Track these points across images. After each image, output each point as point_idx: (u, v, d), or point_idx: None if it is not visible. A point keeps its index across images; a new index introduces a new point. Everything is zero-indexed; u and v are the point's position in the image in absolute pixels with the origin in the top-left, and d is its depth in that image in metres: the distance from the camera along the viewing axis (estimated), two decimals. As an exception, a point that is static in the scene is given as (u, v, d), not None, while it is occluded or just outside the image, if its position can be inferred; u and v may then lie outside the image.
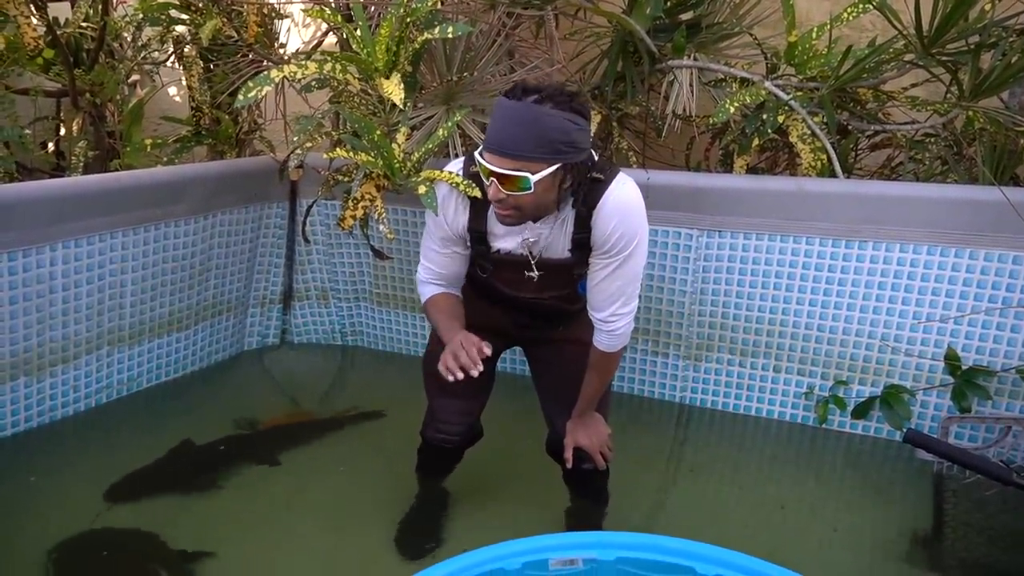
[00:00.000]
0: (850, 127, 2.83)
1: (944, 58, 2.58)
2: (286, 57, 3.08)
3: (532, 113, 1.61)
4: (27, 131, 3.13)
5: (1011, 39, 2.52)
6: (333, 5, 2.98)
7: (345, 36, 2.60)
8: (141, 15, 3.02)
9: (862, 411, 2.67)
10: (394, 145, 2.36)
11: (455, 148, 2.64)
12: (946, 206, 2.47)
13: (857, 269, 2.60)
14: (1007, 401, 2.52)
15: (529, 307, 2.00)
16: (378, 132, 2.34)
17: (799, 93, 2.70)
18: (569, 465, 2.02)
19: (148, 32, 3.36)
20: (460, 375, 1.72)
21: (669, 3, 2.84)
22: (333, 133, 2.93)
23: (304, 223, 3.18)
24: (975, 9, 2.48)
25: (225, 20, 2.87)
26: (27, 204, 2.39)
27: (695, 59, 2.86)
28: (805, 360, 2.74)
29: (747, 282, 2.74)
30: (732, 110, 2.67)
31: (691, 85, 2.84)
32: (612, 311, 1.85)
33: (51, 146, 3.55)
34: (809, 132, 2.68)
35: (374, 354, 3.38)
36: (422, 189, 2.07)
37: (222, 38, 3.00)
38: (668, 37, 2.82)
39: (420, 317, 3.20)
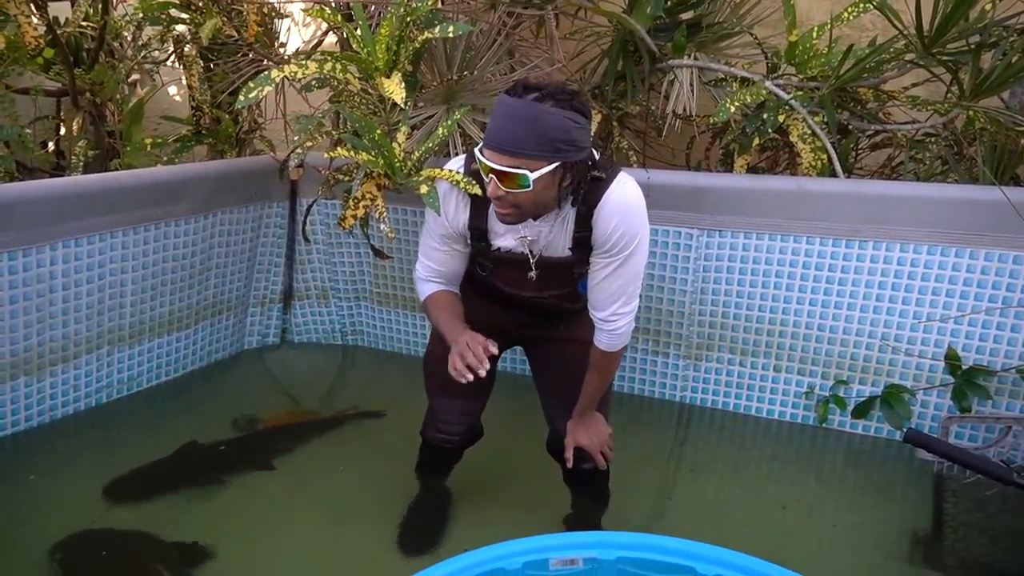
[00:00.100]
0: (850, 127, 2.83)
1: (945, 58, 2.58)
2: (286, 56, 3.08)
3: (532, 111, 1.61)
4: (27, 130, 3.13)
5: (1012, 39, 2.52)
6: (333, 4, 2.98)
7: (345, 35, 2.60)
8: (141, 14, 3.02)
9: (862, 411, 2.67)
10: (395, 144, 2.36)
11: (455, 147, 2.64)
12: (946, 206, 2.47)
13: (857, 269, 2.60)
14: (1007, 401, 2.52)
15: (529, 306, 2.00)
16: (378, 131, 2.34)
17: (799, 93, 2.70)
18: (570, 465, 2.02)
19: (148, 31, 3.36)
20: (470, 376, 1.72)
21: (669, 2, 2.84)
22: (333, 132, 2.93)
23: (304, 222, 3.18)
24: (976, 9, 2.47)
25: (225, 19, 2.87)
26: (27, 203, 2.39)
27: (695, 58, 2.86)
28: (805, 360, 2.74)
29: (747, 281, 2.73)
30: (732, 109, 2.67)
31: (691, 84, 2.84)
32: (613, 310, 1.85)
33: (51, 145, 3.55)
34: (809, 131, 2.68)
35: (374, 353, 3.38)
36: (423, 188, 2.07)
37: (222, 37, 3.00)
38: (668, 36, 2.82)
39: (420, 317, 3.20)
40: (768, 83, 2.71)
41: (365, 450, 2.61)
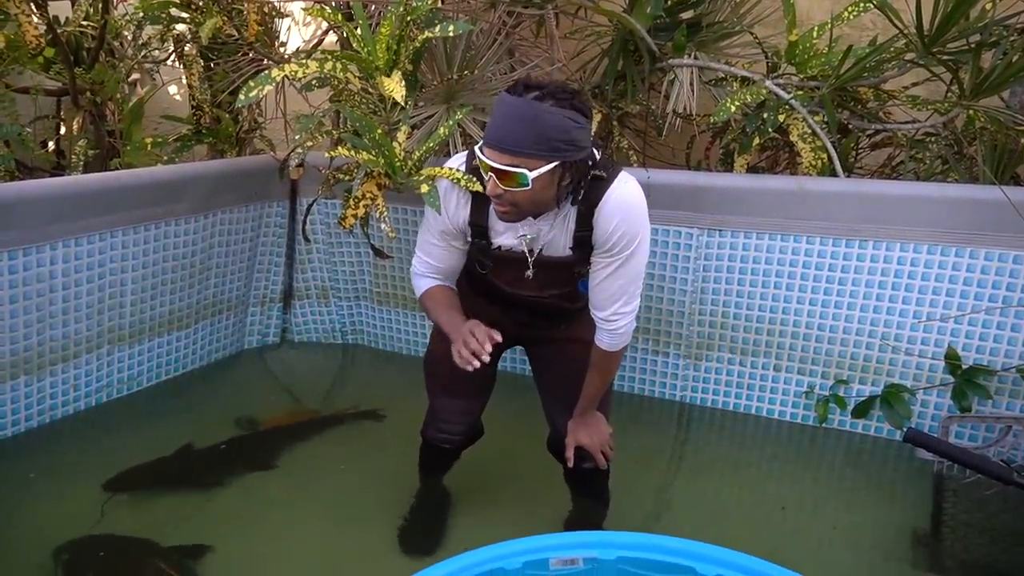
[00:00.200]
0: (851, 126, 2.83)
1: (945, 57, 2.58)
2: (286, 56, 3.08)
3: (532, 110, 1.61)
4: (27, 129, 3.12)
5: (1012, 38, 2.52)
6: (333, 4, 2.98)
7: (345, 35, 2.59)
8: (141, 14, 3.01)
9: (862, 410, 2.67)
10: (395, 144, 2.36)
11: (455, 147, 2.64)
12: (947, 205, 2.47)
13: (857, 268, 2.60)
14: (1007, 400, 2.52)
15: (529, 305, 2.00)
16: (379, 131, 2.34)
17: (800, 92, 2.70)
18: (570, 464, 2.02)
19: (148, 31, 3.36)
20: (476, 364, 1.72)
21: (670, 2, 2.84)
22: (334, 132, 2.92)
23: (304, 222, 3.18)
24: (976, 8, 2.47)
25: (225, 19, 2.86)
26: (27, 203, 2.39)
27: (696, 58, 2.86)
28: (805, 359, 2.74)
29: (747, 281, 2.73)
30: (733, 109, 2.67)
31: (692, 84, 2.84)
32: (614, 310, 1.85)
33: (51, 145, 3.55)
34: (810, 131, 2.68)
35: (374, 353, 3.38)
36: (424, 188, 2.07)
37: (222, 37, 3.00)
38: (669, 36, 2.82)
39: (421, 316, 3.20)
40: (768, 82, 2.71)
41: (365, 450, 2.61)
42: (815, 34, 2.81)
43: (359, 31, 2.39)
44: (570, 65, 3.03)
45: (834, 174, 2.66)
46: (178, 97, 4.08)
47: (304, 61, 2.38)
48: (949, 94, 2.77)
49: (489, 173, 1.67)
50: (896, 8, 2.55)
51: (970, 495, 2.37)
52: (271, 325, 3.37)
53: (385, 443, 2.62)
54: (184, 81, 3.44)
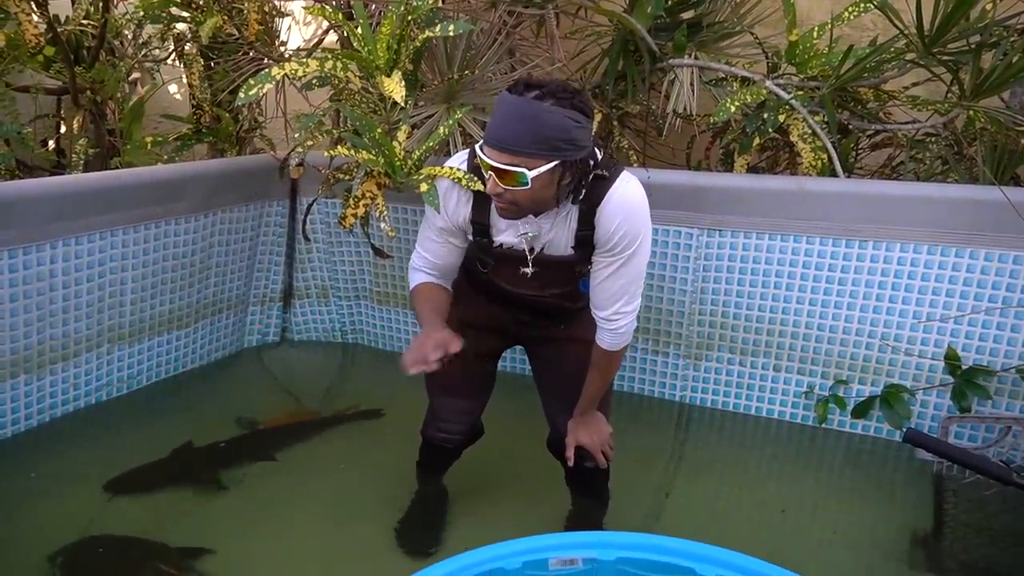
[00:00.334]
0: (851, 126, 2.83)
1: (945, 57, 2.58)
2: (287, 55, 3.08)
3: (532, 109, 1.61)
4: (27, 128, 3.12)
5: (1012, 39, 2.52)
6: (334, 3, 2.98)
7: (346, 34, 2.59)
8: (142, 13, 3.01)
9: (862, 411, 2.67)
10: (395, 143, 2.36)
11: (455, 146, 2.64)
12: (947, 206, 2.47)
13: (857, 268, 2.60)
14: (1007, 401, 2.52)
15: (530, 305, 2.00)
16: (379, 130, 2.34)
17: (800, 92, 2.70)
18: (571, 464, 2.02)
19: (149, 30, 3.36)
20: (412, 371, 1.72)
21: (670, 2, 2.84)
22: (334, 131, 2.93)
23: (304, 221, 3.18)
24: (976, 9, 2.47)
25: (226, 18, 2.86)
26: (27, 202, 2.39)
27: (696, 58, 2.86)
28: (805, 359, 2.74)
29: (747, 281, 2.73)
30: (733, 109, 2.67)
31: (692, 84, 2.83)
32: (615, 309, 1.85)
33: (51, 144, 3.55)
34: (810, 131, 2.68)
35: (374, 352, 3.38)
36: (424, 187, 2.08)
37: (223, 36, 3.00)
38: (669, 36, 2.82)
39: (420, 315, 3.20)
40: (768, 83, 2.71)
41: (365, 449, 2.61)
42: (815, 34, 2.80)
43: (359, 30, 2.39)
44: (570, 65, 3.03)
45: (834, 174, 2.66)
46: (178, 96, 4.07)
47: (304, 60, 2.38)
48: (949, 94, 2.77)
49: (489, 172, 1.67)
50: (896, 8, 2.55)
51: (970, 495, 2.37)
52: (271, 324, 3.37)
53: (385, 442, 2.62)
54: (184, 80, 3.44)
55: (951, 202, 2.47)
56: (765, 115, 2.71)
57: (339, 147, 2.37)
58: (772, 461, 2.66)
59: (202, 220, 2.91)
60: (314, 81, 2.61)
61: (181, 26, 3.15)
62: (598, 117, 2.86)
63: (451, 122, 2.42)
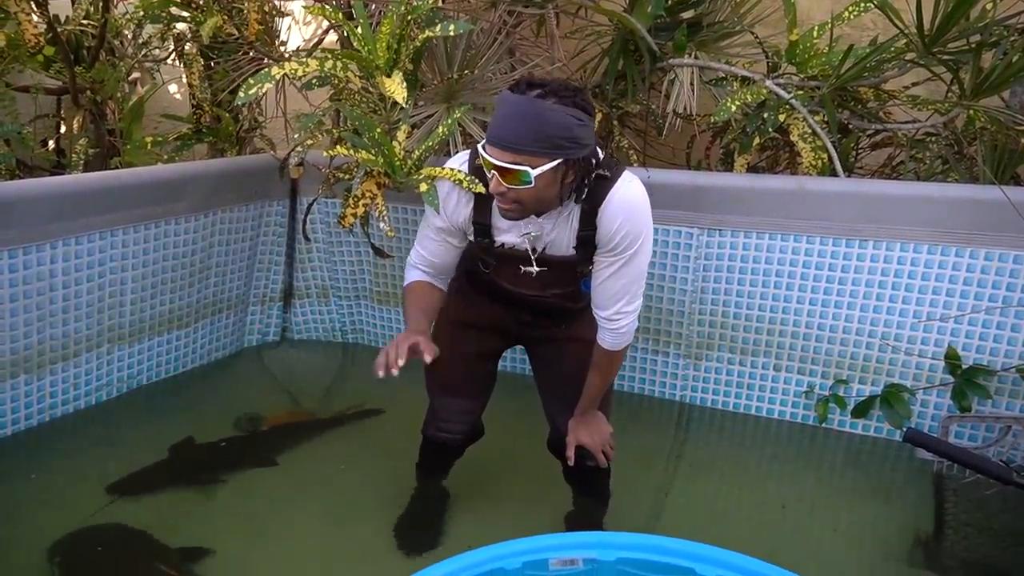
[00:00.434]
0: (851, 126, 2.83)
1: (945, 57, 2.58)
2: (287, 55, 3.08)
3: (534, 108, 1.61)
4: (27, 128, 3.12)
5: (1012, 38, 2.52)
6: (334, 3, 2.97)
7: (346, 34, 2.59)
8: (142, 12, 3.01)
9: (862, 410, 2.67)
10: (395, 143, 2.36)
11: (455, 146, 2.64)
12: (947, 205, 2.47)
13: (857, 268, 2.60)
14: (1007, 400, 2.52)
15: (531, 304, 2.00)
16: (379, 130, 2.34)
17: (800, 92, 2.70)
18: (571, 463, 2.02)
19: (149, 29, 3.36)
20: (381, 373, 1.75)
21: (670, 1, 2.83)
22: (334, 131, 2.93)
23: (304, 221, 3.18)
24: (976, 8, 2.47)
25: (226, 17, 2.86)
26: (27, 202, 2.39)
27: (696, 58, 2.86)
28: (805, 359, 2.74)
29: (747, 281, 2.73)
30: (733, 109, 2.67)
31: (692, 84, 2.83)
32: (616, 309, 1.85)
33: (51, 144, 3.55)
34: (810, 131, 2.68)
35: (374, 352, 3.28)
36: (423, 187, 2.08)
37: (223, 36, 2.99)
38: (669, 35, 2.81)
39: (420, 315, 3.20)
40: (769, 82, 2.71)
41: (365, 449, 2.61)
42: (815, 34, 2.80)
43: (360, 30, 2.39)
44: (570, 65, 3.03)
45: (834, 174, 2.66)
46: (178, 96, 4.07)
47: (304, 60, 2.38)
48: (949, 94, 2.77)
49: (492, 171, 1.67)
50: (896, 8, 2.55)
51: (970, 495, 2.37)
52: (271, 324, 3.37)
53: (385, 442, 2.62)
54: (184, 80, 3.44)
55: (951, 202, 2.47)
56: (765, 115, 2.71)
57: (339, 147, 2.37)
58: (772, 461, 2.66)
59: (202, 220, 2.91)
60: (314, 81, 2.60)
61: (181, 26, 3.15)
62: (598, 117, 2.86)
63: (451, 122, 2.42)
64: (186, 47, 3.28)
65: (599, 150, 1.76)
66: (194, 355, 3.08)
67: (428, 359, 1.77)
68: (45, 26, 2.98)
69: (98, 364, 2.73)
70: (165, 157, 3.24)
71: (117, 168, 3.09)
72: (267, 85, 2.26)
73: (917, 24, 2.50)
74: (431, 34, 2.37)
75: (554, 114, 1.61)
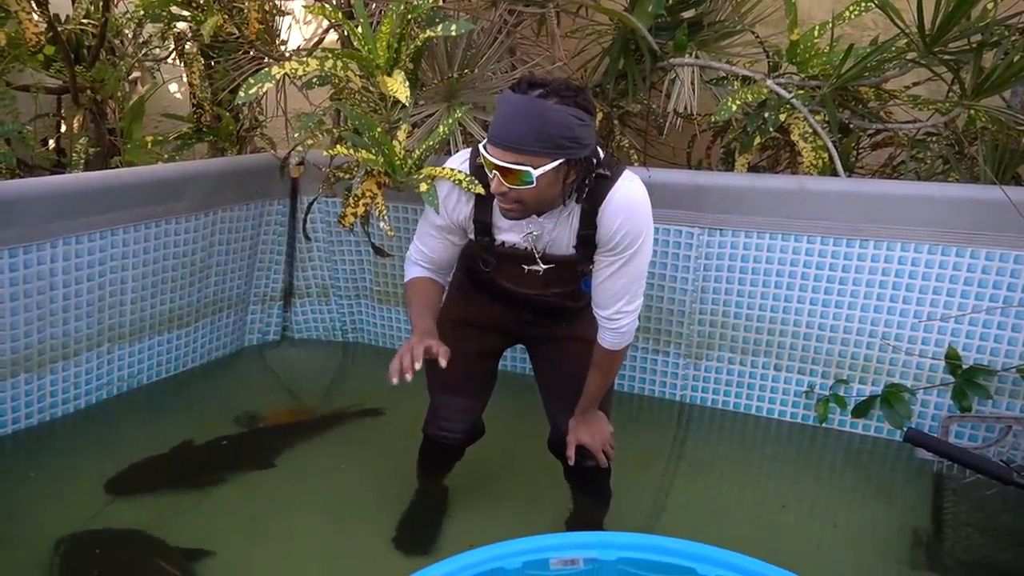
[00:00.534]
0: (852, 126, 2.83)
1: (946, 57, 2.57)
2: (287, 54, 3.08)
3: (536, 107, 1.61)
4: (28, 127, 3.12)
5: (1013, 38, 2.52)
6: (334, 2, 2.97)
7: (346, 33, 2.59)
8: (142, 12, 3.01)
9: (862, 410, 2.67)
10: (395, 142, 2.36)
11: (456, 145, 2.64)
12: (947, 205, 2.47)
13: (858, 268, 2.60)
14: (1007, 400, 2.52)
15: (531, 304, 2.00)
16: (379, 129, 2.34)
17: (801, 91, 2.70)
18: (571, 463, 2.02)
19: (149, 29, 3.36)
20: (395, 380, 1.74)
21: (671, 1, 2.84)
22: (334, 130, 2.92)
23: (305, 220, 3.18)
24: (977, 8, 2.47)
25: (226, 17, 2.86)
26: (27, 201, 2.39)
27: (697, 57, 2.86)
28: (806, 359, 2.74)
29: (748, 280, 2.73)
30: (734, 108, 2.67)
31: (693, 83, 2.83)
32: (617, 308, 1.85)
33: (52, 143, 3.55)
34: (811, 130, 2.67)
35: (375, 351, 3.38)
36: (423, 187, 2.07)
37: (223, 35, 2.99)
38: (670, 35, 2.81)
39: (421, 315, 3.19)
40: (769, 82, 2.71)
41: (365, 448, 2.61)
42: (816, 33, 2.80)
43: (360, 29, 2.39)
44: (571, 64, 3.03)
45: (835, 174, 2.66)
46: (179, 95, 4.07)
47: (305, 59, 2.37)
48: (950, 94, 2.77)
49: (493, 171, 1.67)
50: (897, 8, 2.55)
51: (970, 495, 2.37)
52: (271, 323, 3.37)
53: (385, 441, 2.62)
54: (185, 79, 3.44)
55: (952, 201, 2.47)
56: (766, 114, 2.71)
57: (339, 146, 2.37)
58: (772, 461, 2.66)
59: (202, 219, 2.91)
60: (314, 80, 2.60)
61: (181, 25, 3.15)
62: (599, 116, 2.86)
63: (451, 121, 2.42)
64: (186, 46, 3.27)
65: (600, 150, 1.76)
66: (194, 354, 3.08)
67: (443, 363, 1.75)
68: (45, 25, 2.98)
69: (98, 363, 2.73)
70: (165, 156, 3.24)
71: (117, 167, 3.09)
72: (267, 84, 2.26)
73: (918, 24, 2.50)
74: (431, 33, 2.37)
75: (556, 114, 1.61)
